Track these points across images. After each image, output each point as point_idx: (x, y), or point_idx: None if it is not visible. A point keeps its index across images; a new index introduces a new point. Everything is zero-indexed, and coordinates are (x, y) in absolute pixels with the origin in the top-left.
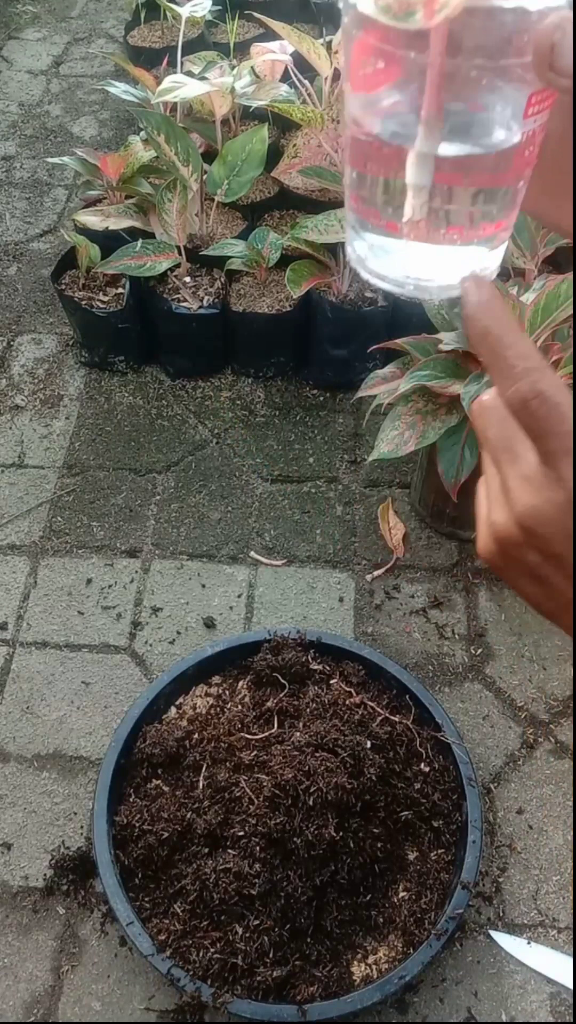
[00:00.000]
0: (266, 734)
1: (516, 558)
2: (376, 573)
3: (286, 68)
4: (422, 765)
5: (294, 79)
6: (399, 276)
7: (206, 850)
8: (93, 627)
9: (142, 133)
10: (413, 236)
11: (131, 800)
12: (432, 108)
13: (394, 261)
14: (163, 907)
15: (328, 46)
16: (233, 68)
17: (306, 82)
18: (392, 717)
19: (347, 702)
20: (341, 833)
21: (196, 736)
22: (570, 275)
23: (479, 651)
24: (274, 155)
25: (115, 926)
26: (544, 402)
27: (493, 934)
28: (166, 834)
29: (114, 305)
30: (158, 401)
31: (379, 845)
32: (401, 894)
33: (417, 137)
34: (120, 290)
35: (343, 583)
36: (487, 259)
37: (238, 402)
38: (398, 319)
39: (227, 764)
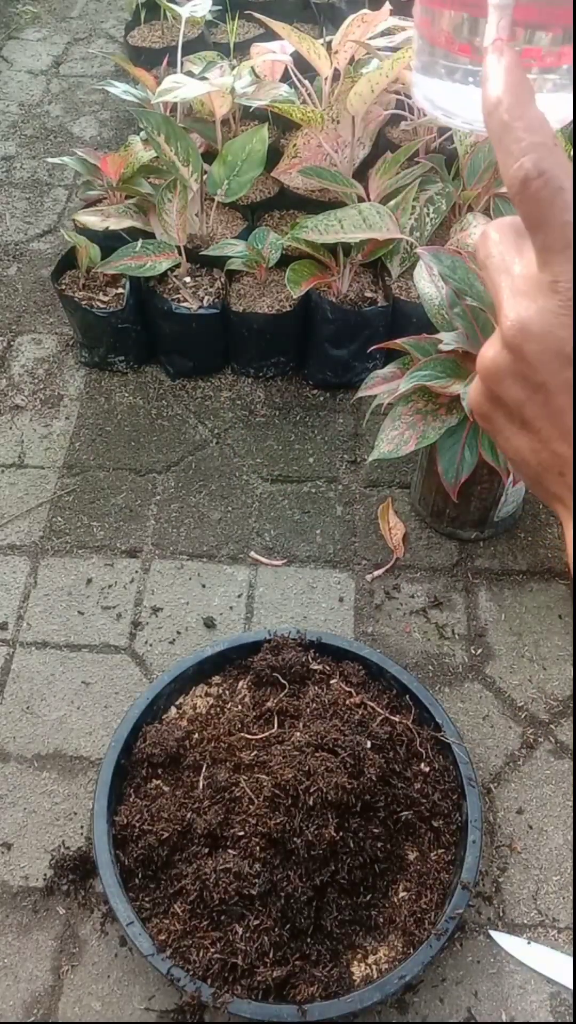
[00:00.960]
0: (266, 734)
1: (501, 398)
2: (376, 573)
3: (286, 68)
4: (422, 765)
5: (294, 79)
6: (469, 110)
7: (206, 850)
8: (93, 627)
9: (142, 133)
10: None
11: (131, 800)
12: None
13: (465, 94)
14: (163, 907)
15: (328, 46)
16: (233, 68)
17: (306, 82)
18: (392, 717)
19: (347, 702)
20: (341, 833)
21: (196, 736)
22: None
23: (479, 651)
24: (274, 155)
25: (115, 926)
26: (547, 184)
27: (493, 934)
28: (166, 834)
29: (114, 305)
30: (158, 401)
31: (379, 845)
32: (401, 894)
33: None
34: (120, 290)
35: (343, 583)
36: (562, 102)
37: (238, 402)
38: (398, 319)
39: (227, 764)
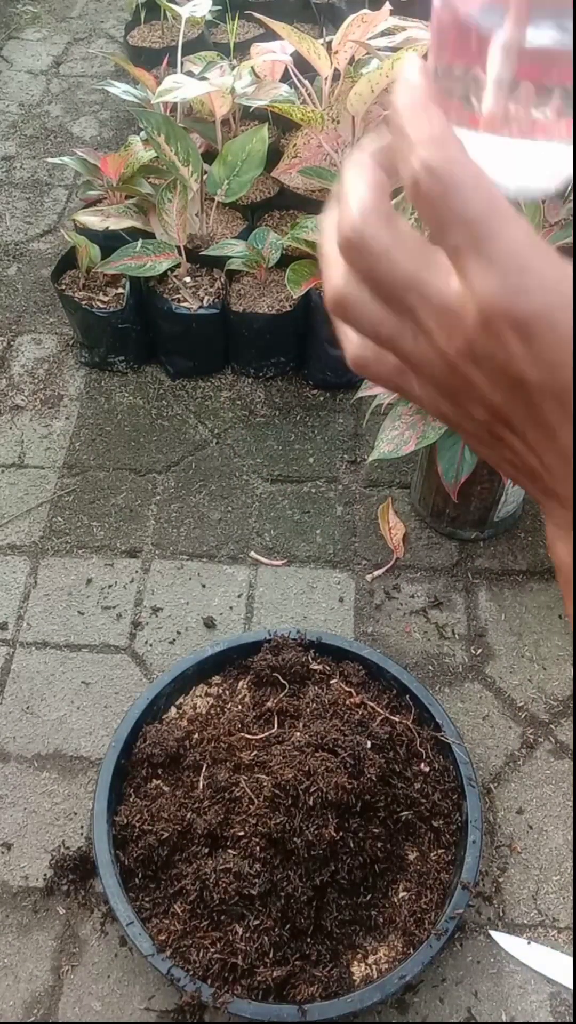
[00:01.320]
0: (266, 734)
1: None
2: (376, 573)
3: (286, 68)
4: (422, 765)
5: (294, 79)
6: (507, 175)
7: (206, 850)
8: (93, 627)
9: (142, 133)
10: (491, 130)
11: (131, 800)
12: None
13: (473, 157)
14: (163, 907)
15: (328, 46)
16: (233, 68)
17: (306, 82)
18: (392, 717)
19: (347, 702)
20: (341, 833)
21: (196, 736)
22: None
23: (479, 651)
24: (274, 155)
25: (115, 926)
26: (438, 180)
27: (493, 934)
28: (166, 834)
29: (114, 305)
30: (158, 401)
31: (379, 845)
32: (401, 894)
33: (503, 26)
34: (120, 290)
35: (343, 583)
36: (565, 159)
37: (238, 402)
38: None
39: (227, 764)
